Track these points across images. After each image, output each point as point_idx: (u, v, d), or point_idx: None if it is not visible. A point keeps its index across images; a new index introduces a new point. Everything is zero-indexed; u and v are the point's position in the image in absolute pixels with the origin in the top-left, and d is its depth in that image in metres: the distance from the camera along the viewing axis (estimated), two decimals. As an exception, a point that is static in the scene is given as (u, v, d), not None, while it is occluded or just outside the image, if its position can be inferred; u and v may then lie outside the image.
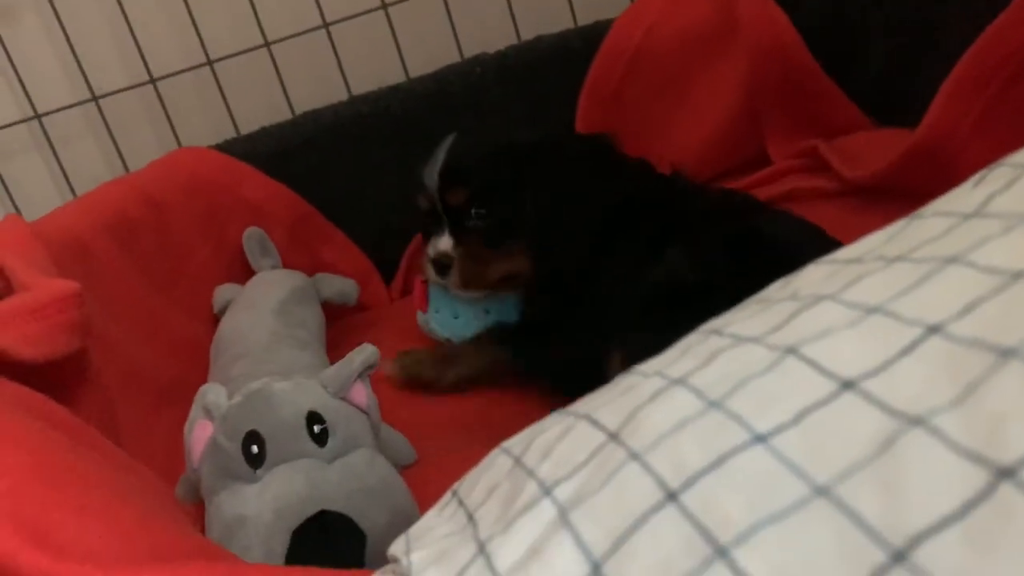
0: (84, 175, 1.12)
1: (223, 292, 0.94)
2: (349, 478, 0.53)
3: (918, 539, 0.15)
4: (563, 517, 0.20)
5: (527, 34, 1.12)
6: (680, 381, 0.21)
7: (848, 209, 0.83)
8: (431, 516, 0.29)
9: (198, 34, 1.09)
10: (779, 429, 0.18)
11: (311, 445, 0.54)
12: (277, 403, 0.55)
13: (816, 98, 0.94)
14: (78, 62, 1.07)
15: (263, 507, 0.50)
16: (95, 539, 0.39)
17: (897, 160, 0.78)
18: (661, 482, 0.18)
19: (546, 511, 0.20)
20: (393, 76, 1.12)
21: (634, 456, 0.20)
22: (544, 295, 0.80)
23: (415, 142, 1.06)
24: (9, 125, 1.09)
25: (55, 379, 0.55)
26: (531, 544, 0.20)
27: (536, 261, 0.79)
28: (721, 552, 0.16)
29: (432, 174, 0.82)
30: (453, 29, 1.13)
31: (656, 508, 0.18)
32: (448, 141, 0.85)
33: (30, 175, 1.13)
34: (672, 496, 0.18)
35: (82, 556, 0.38)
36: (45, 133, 1.09)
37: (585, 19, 1.11)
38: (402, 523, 0.50)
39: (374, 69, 1.13)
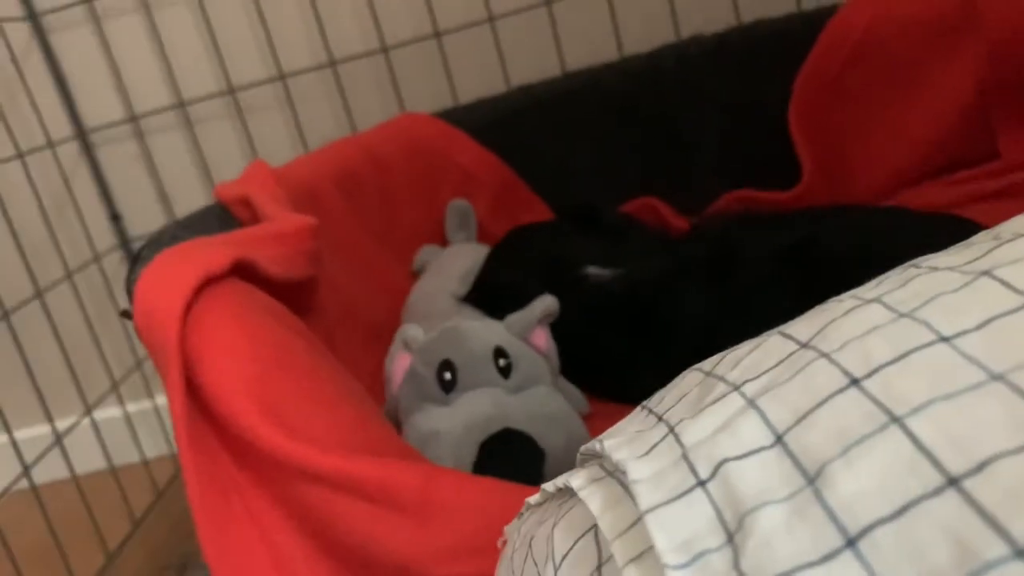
0: (317, 133, 1.22)
1: (424, 253, 1.01)
2: (531, 404, 0.58)
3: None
4: (751, 403, 0.22)
5: (748, 17, 1.11)
6: (875, 300, 0.23)
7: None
8: (619, 425, 0.32)
9: (429, 7, 1.16)
10: (963, 333, 0.19)
11: (497, 376, 0.59)
12: (468, 337, 0.61)
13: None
14: (321, 28, 1.18)
15: (454, 423, 0.55)
16: (320, 427, 0.45)
17: None
18: (846, 372, 0.20)
19: (735, 401, 0.23)
20: (608, 54, 1.15)
21: (823, 355, 0.21)
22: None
23: (624, 119, 1.10)
24: (258, 84, 1.21)
25: (290, 301, 0.63)
26: (719, 424, 0.22)
27: None
28: (896, 420, 0.18)
29: None
30: (672, 7, 1.14)
31: (839, 391, 0.19)
32: None
33: (272, 130, 1.25)
34: (855, 382, 0.19)
35: (309, 439, 0.44)
36: (287, 93, 1.21)
37: (809, 5, 1.09)
38: (578, 449, 0.53)
39: (589, 46, 1.16)
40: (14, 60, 1.19)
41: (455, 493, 0.43)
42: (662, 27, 1.14)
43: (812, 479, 0.18)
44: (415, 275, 1.00)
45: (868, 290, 0.25)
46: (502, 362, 0.60)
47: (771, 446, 0.20)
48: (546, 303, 0.65)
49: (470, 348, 0.60)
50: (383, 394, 0.72)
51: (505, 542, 0.37)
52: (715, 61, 1.07)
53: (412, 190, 1.04)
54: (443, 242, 1.05)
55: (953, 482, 0.16)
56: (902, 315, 0.21)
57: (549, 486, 0.32)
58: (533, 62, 1.18)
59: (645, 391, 0.34)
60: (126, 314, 0.53)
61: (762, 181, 1.04)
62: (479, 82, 1.19)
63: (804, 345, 0.23)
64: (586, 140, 1.10)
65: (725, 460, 0.20)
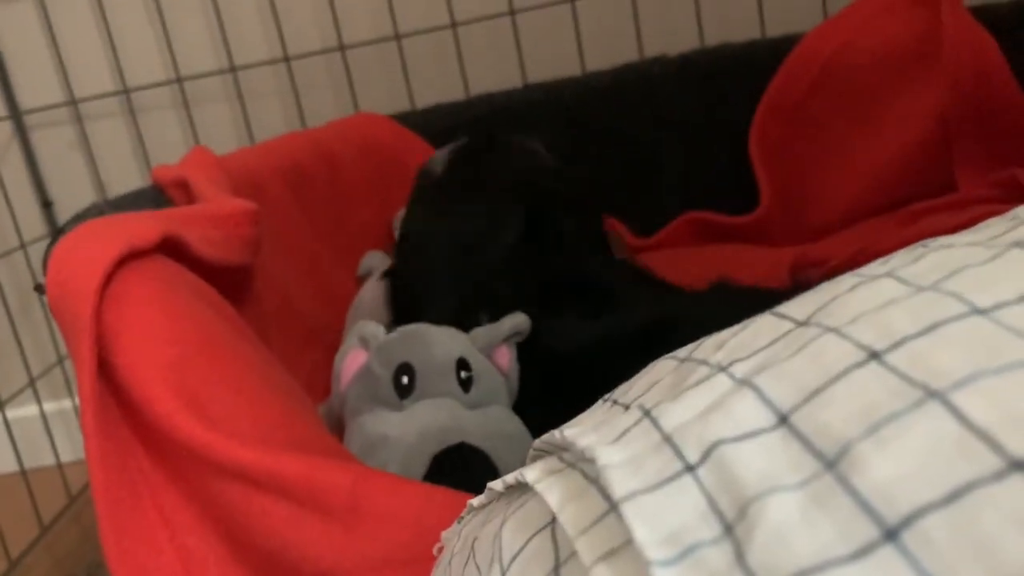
0: (266, 130, 1.18)
1: (370, 258, 0.97)
2: (489, 422, 0.54)
3: None
4: (745, 382, 0.19)
5: (712, 41, 1.10)
6: (885, 275, 0.20)
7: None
8: (579, 418, 0.28)
9: (391, 8, 1.13)
10: (1002, 304, 0.16)
11: (457, 388, 0.55)
12: (432, 343, 0.57)
13: (1018, 131, 0.88)
14: (277, 22, 1.14)
15: (407, 430, 0.51)
16: (244, 419, 0.41)
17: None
18: (862, 345, 0.17)
19: (723, 381, 0.19)
20: (570, 69, 1.13)
21: (830, 330, 0.18)
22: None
23: (584, 135, 1.07)
24: (207, 75, 1.17)
25: (223, 289, 0.58)
26: (707, 404, 0.19)
27: None
28: (935, 395, 0.15)
29: None
30: (637, 28, 1.12)
31: (857, 366, 0.16)
32: None
33: (218, 124, 1.20)
34: (876, 355, 0.16)
35: (230, 431, 0.39)
36: (237, 86, 1.16)
37: (775, 31, 1.08)
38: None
39: (552, 61, 1.14)
40: (-53, 31, 1.13)
41: (388, 497, 0.39)
42: (626, 46, 1.13)
43: (832, 463, 0.15)
44: (360, 280, 0.95)
45: (871, 268, 0.22)
46: (464, 374, 0.56)
47: (773, 428, 0.17)
48: (516, 320, 0.61)
49: (432, 355, 0.56)
50: (318, 397, 0.68)
51: (442, 548, 0.34)
52: (678, 82, 1.06)
53: (363, 191, 1.00)
54: (391, 247, 1.02)
55: (1020, 466, 0.13)
56: (923, 288, 0.18)
57: (497, 484, 0.28)
58: (494, 72, 1.15)
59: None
60: (40, 288, 0.48)
61: (722, 204, 1.02)
62: (438, 88, 1.16)
63: (803, 323, 0.20)
64: (544, 153, 1.07)
65: (719, 442, 0.17)
